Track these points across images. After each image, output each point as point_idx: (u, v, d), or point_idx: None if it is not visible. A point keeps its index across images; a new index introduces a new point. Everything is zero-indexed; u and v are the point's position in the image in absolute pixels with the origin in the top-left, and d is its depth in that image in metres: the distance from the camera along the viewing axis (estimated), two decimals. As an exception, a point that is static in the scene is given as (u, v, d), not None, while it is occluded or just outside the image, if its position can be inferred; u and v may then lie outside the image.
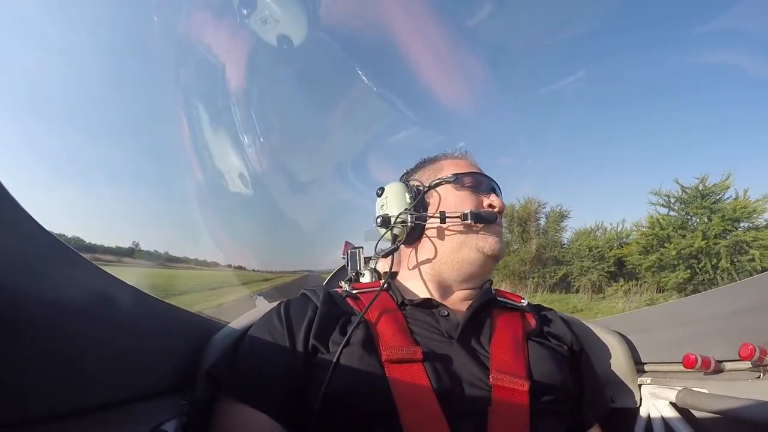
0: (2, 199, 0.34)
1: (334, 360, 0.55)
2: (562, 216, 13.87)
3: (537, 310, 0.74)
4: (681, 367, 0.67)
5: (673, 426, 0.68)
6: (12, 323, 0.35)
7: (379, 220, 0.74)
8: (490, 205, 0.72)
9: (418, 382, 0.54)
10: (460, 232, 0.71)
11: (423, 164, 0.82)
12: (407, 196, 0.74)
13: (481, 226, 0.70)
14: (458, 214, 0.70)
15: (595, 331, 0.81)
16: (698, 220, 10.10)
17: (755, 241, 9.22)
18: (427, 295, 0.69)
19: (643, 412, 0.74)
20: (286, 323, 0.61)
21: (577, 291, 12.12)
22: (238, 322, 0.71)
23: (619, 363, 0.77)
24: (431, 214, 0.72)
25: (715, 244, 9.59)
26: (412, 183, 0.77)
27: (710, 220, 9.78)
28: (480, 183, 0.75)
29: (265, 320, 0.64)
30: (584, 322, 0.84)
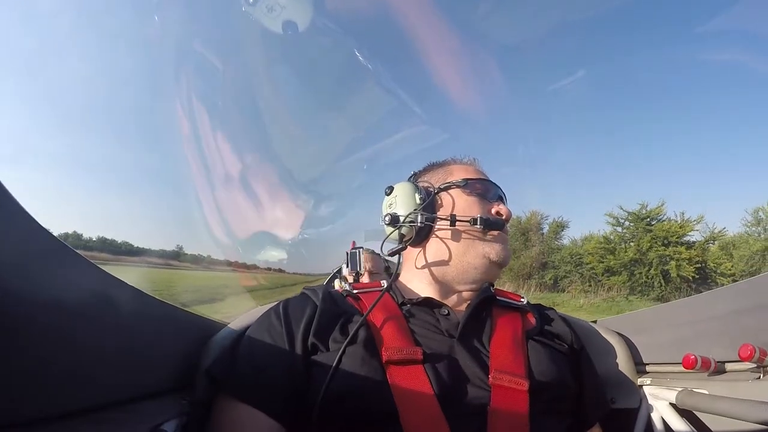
0: (2, 199, 0.34)
1: (336, 360, 0.55)
2: (561, 226, 16.33)
3: (537, 309, 0.74)
4: (681, 368, 0.67)
5: (673, 427, 0.68)
6: (12, 323, 0.35)
7: (387, 218, 0.74)
8: (498, 213, 0.73)
9: (419, 382, 0.54)
10: (468, 236, 0.71)
11: (432, 167, 0.82)
12: (417, 196, 0.74)
13: (488, 232, 0.70)
14: (468, 219, 0.70)
15: (595, 331, 0.81)
16: (639, 236, 13.25)
17: (676, 254, 12.43)
18: (429, 295, 0.69)
19: (643, 412, 0.74)
20: (285, 322, 0.61)
21: (563, 290, 14.55)
22: (237, 323, 0.71)
23: (620, 363, 0.77)
24: (441, 216, 0.72)
25: (648, 256, 12.78)
26: (421, 184, 0.77)
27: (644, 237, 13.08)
28: (488, 190, 0.75)
29: (264, 319, 0.64)
30: (585, 322, 0.84)
